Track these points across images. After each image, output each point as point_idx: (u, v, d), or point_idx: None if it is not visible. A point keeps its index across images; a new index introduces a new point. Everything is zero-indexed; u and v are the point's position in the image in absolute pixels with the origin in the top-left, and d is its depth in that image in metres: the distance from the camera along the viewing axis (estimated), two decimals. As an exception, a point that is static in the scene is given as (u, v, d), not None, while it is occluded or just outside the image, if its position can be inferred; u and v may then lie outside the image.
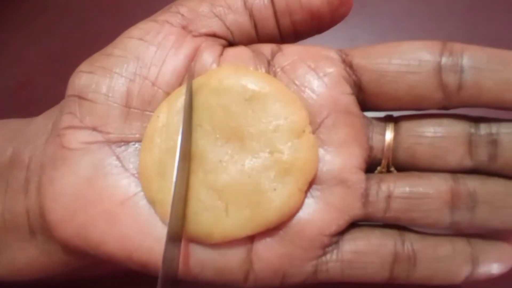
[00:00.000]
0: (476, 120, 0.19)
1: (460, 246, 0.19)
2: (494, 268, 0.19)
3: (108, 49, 0.19)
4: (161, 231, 0.18)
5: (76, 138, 0.18)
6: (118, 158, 0.18)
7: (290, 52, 0.19)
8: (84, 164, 0.18)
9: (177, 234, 0.17)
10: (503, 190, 0.18)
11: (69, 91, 0.19)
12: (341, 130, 0.18)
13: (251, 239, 0.18)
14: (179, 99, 0.18)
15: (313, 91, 0.18)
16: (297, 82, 0.19)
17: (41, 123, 0.20)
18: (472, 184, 0.18)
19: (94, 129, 0.18)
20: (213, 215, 0.17)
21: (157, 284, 0.15)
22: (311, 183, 0.18)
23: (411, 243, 0.19)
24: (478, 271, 0.19)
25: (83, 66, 0.19)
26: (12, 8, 0.38)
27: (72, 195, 0.18)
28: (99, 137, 0.18)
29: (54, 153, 0.18)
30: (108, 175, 0.18)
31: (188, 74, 0.18)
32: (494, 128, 0.18)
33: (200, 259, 0.18)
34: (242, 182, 0.17)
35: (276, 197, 0.17)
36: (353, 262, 0.18)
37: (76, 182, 0.18)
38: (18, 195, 0.19)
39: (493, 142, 0.18)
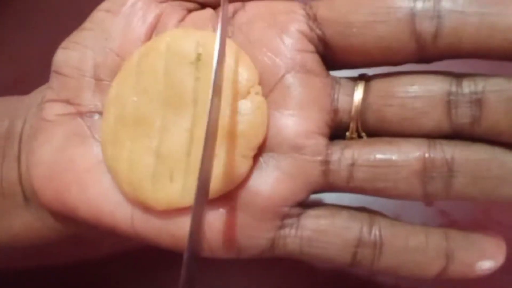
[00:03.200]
0: (459, 77, 0.16)
1: (435, 239, 0.17)
2: (472, 267, 0.16)
3: (83, 24, 0.20)
4: (119, 196, 0.18)
5: (52, 111, 0.19)
6: (88, 128, 0.19)
7: (252, 8, 0.18)
8: (58, 134, 0.19)
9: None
10: (488, 157, 0.16)
11: (52, 67, 0.20)
12: (298, 91, 0.17)
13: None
14: (126, 68, 0.18)
15: (269, 49, 0.17)
16: (252, 40, 0.18)
17: (33, 97, 0.21)
18: (450, 150, 0.16)
19: (67, 101, 0.19)
20: (158, 182, 0.17)
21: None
22: (260, 150, 0.17)
23: (380, 229, 0.17)
24: (453, 268, 0.16)
25: (63, 43, 0.20)
26: (8, 6, 0.40)
27: (49, 163, 0.19)
28: (71, 109, 0.19)
29: (36, 124, 0.20)
30: (78, 144, 0.19)
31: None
32: (479, 85, 0.16)
33: (155, 226, 0.18)
34: (185, 148, 0.17)
35: (217, 164, 0.17)
36: (313, 240, 0.17)
37: (51, 151, 0.19)
38: (13, 164, 0.20)
39: (477, 101, 0.16)
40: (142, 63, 0.18)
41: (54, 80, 0.19)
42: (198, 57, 0.17)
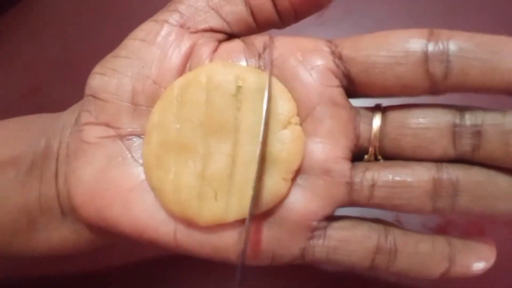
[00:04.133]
0: (462, 110, 0.19)
1: (440, 245, 0.20)
2: (469, 268, 0.20)
3: (117, 51, 0.21)
4: (163, 214, 0.20)
5: (93, 134, 0.20)
6: (128, 150, 0.20)
7: (281, 44, 0.20)
8: (99, 155, 0.20)
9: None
10: (485, 179, 0.19)
11: (86, 90, 0.21)
12: (327, 122, 0.19)
13: (242, 223, 0.19)
14: (167, 97, 0.20)
15: (300, 83, 0.19)
16: (285, 75, 0.20)
17: (67, 117, 0.22)
18: (455, 173, 0.19)
19: (107, 125, 0.20)
20: (203, 201, 0.19)
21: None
22: (297, 173, 0.19)
23: (394, 238, 0.20)
24: (454, 270, 0.20)
25: (97, 68, 0.21)
26: (22, 19, 0.40)
27: (91, 182, 0.20)
28: (111, 132, 0.20)
29: (75, 146, 0.21)
30: (119, 165, 0.20)
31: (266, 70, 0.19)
32: (479, 119, 0.19)
33: (198, 239, 0.20)
34: (228, 171, 0.19)
35: (263, 186, 0.19)
36: (338, 248, 0.20)
37: (94, 172, 0.20)
38: (50, 182, 0.22)
39: (477, 133, 0.19)
40: (184, 93, 0.20)
41: (91, 104, 0.21)
42: (238, 89, 0.19)
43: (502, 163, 0.19)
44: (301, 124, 0.19)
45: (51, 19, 0.40)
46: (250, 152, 0.19)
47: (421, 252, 0.20)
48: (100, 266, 0.30)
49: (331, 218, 0.20)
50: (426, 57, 0.18)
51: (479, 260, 0.20)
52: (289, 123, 0.19)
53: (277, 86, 0.19)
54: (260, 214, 0.19)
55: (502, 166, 0.19)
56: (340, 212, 0.20)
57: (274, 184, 0.19)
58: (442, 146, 0.19)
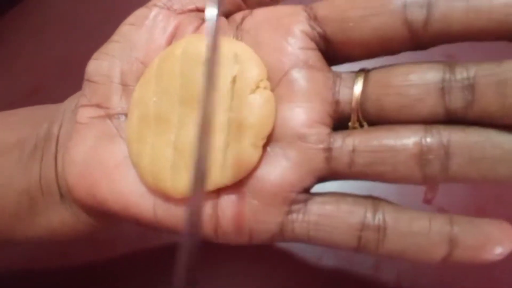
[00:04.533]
0: (452, 64, 0.17)
1: (438, 223, 0.17)
2: (479, 252, 0.17)
3: (112, 37, 0.22)
4: (142, 188, 0.20)
5: (85, 114, 0.21)
6: (116, 128, 0.21)
7: (258, 14, 0.20)
8: (90, 135, 0.21)
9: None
10: (482, 139, 0.17)
11: (85, 76, 0.22)
12: (301, 85, 0.18)
13: (216, 195, 0.19)
14: (147, 73, 0.20)
15: (274, 48, 0.19)
16: (259, 41, 0.19)
17: (68, 103, 0.23)
18: (446, 134, 0.17)
19: (98, 105, 0.21)
20: (176, 172, 0.19)
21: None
22: (269, 140, 0.18)
23: (383, 214, 0.18)
24: (458, 253, 0.17)
25: (94, 54, 0.22)
26: (23, 19, 0.42)
27: (81, 161, 0.21)
28: (101, 112, 0.21)
29: (71, 127, 0.22)
30: (107, 143, 0.21)
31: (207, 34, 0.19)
32: (471, 71, 0.17)
33: (175, 213, 0.19)
34: None
35: (230, 154, 0.18)
36: (319, 224, 0.18)
37: (84, 150, 0.21)
38: (50, 164, 0.22)
39: (469, 86, 0.17)
40: (161, 67, 0.20)
41: (86, 88, 0.22)
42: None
43: (499, 118, 0.16)
44: (274, 90, 0.19)
45: (52, 19, 0.41)
46: (218, 119, 0.19)
47: (415, 230, 0.17)
48: (101, 262, 0.30)
49: (314, 193, 0.19)
50: (404, 4, 0.17)
51: (489, 242, 0.16)
52: (258, 87, 0.18)
53: (247, 51, 0.19)
54: (232, 186, 0.18)
55: (499, 124, 0.16)
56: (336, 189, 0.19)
57: (242, 151, 0.18)
58: (430, 104, 0.17)
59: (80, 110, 0.21)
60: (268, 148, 0.19)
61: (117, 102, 0.21)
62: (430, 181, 0.17)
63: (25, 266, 0.30)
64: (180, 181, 0.19)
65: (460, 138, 0.17)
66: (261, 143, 0.18)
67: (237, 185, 0.19)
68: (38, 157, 0.23)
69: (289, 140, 0.18)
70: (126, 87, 0.21)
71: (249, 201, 0.18)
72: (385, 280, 0.25)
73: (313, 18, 0.19)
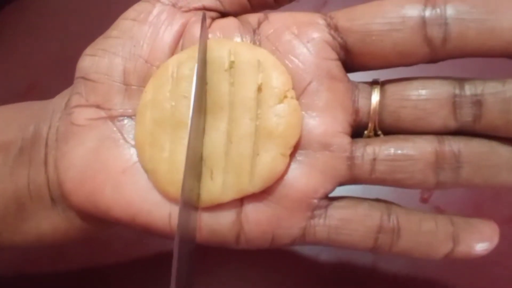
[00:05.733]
0: (461, 81, 0.19)
1: (443, 224, 0.19)
2: (473, 248, 0.19)
3: (108, 32, 0.21)
4: (157, 196, 0.19)
5: (83, 116, 0.20)
6: (119, 131, 0.20)
7: (276, 19, 0.20)
8: (90, 138, 0.20)
9: (191, 201, 0.18)
10: (487, 150, 0.19)
11: (77, 73, 0.20)
12: (324, 95, 0.19)
13: (240, 202, 0.19)
14: (162, 74, 0.19)
15: (296, 57, 0.19)
16: (280, 49, 0.19)
17: (57, 102, 0.22)
18: (457, 145, 0.19)
19: (98, 106, 0.20)
20: (199, 180, 0.19)
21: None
22: (295, 148, 0.19)
23: (397, 217, 0.19)
24: (458, 249, 0.19)
25: (87, 50, 0.21)
26: (18, 16, 0.40)
27: (81, 166, 0.19)
28: (102, 113, 0.20)
29: (65, 129, 0.20)
30: (111, 147, 0.20)
31: (200, 39, 0.19)
32: (479, 88, 0.18)
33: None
34: (225, 148, 0.18)
35: (259, 163, 0.18)
36: (339, 228, 0.19)
37: (84, 154, 0.19)
38: (39, 168, 0.21)
39: (478, 102, 0.18)
40: (179, 70, 0.19)
41: (81, 86, 0.20)
42: (231, 65, 0.19)
43: (503, 131, 0.18)
44: (297, 99, 0.19)
45: (48, 16, 0.40)
46: (244, 127, 0.18)
47: (424, 231, 0.19)
48: (97, 263, 0.29)
49: (331, 198, 0.19)
50: (423, 22, 0.18)
51: (482, 239, 0.19)
52: (285, 96, 0.18)
53: (270, 59, 0.19)
54: (259, 192, 0.19)
55: (503, 136, 0.18)
56: (339, 192, 0.20)
57: (272, 160, 0.18)
58: (443, 117, 0.19)
59: (76, 110, 0.20)
60: (293, 157, 0.19)
61: (120, 103, 0.20)
62: (441, 186, 0.19)
63: (19, 267, 0.29)
64: (203, 189, 0.19)
65: (468, 148, 0.19)
66: (289, 152, 0.18)
67: (263, 192, 0.19)
68: (26, 161, 0.21)
69: (313, 149, 0.19)
70: (128, 87, 0.20)
71: (274, 207, 0.19)
72: (383, 276, 0.27)
73: (334, 28, 0.19)
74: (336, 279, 0.26)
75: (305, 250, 0.28)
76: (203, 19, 0.19)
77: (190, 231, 0.18)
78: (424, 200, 0.28)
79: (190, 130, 0.17)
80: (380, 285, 0.26)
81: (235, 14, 0.21)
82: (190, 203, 0.18)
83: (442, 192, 0.28)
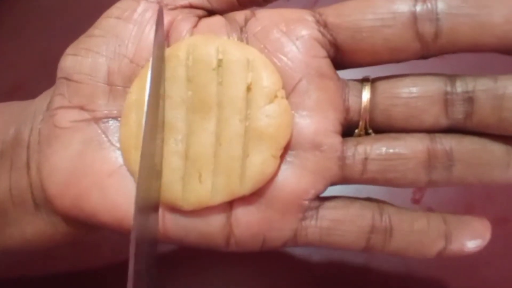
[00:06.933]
0: (452, 78, 0.19)
1: (435, 222, 0.19)
2: (465, 245, 0.19)
3: (90, 30, 0.20)
4: None
5: (66, 118, 0.19)
6: (104, 133, 0.19)
7: (263, 17, 0.19)
8: (74, 141, 0.19)
9: (149, 203, 0.18)
10: (479, 147, 0.18)
11: (58, 73, 0.20)
12: (314, 94, 0.18)
13: (230, 205, 0.18)
14: (143, 74, 0.19)
15: (285, 55, 0.19)
16: (269, 47, 0.19)
17: (38, 104, 0.21)
18: (449, 143, 0.18)
19: (81, 108, 0.19)
20: (187, 183, 0.18)
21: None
22: (286, 149, 0.18)
23: (389, 216, 0.19)
24: (451, 247, 0.19)
25: (69, 49, 0.20)
26: (3, 14, 0.39)
27: (66, 169, 0.19)
28: (86, 115, 0.19)
29: (48, 132, 0.19)
30: (96, 149, 0.19)
31: (154, 45, 0.18)
32: (470, 85, 0.18)
33: (183, 225, 0.19)
34: (214, 150, 0.18)
35: (249, 164, 0.18)
36: (331, 229, 0.19)
37: (68, 158, 0.19)
38: (21, 172, 0.20)
39: (469, 99, 0.18)
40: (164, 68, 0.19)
41: (63, 87, 0.19)
42: (219, 63, 0.18)
43: (495, 129, 0.18)
44: (287, 98, 0.18)
45: (34, 16, 0.39)
46: (234, 128, 0.18)
47: (417, 230, 0.19)
48: (85, 265, 0.29)
49: (323, 198, 0.19)
50: (414, 18, 0.18)
51: (474, 237, 0.19)
52: (275, 96, 0.18)
53: (260, 57, 0.18)
54: (249, 194, 0.18)
55: (495, 133, 0.18)
56: (330, 192, 0.19)
57: (262, 162, 0.18)
58: (434, 114, 0.18)
59: (58, 112, 0.19)
60: (284, 158, 0.18)
61: (104, 104, 0.19)
62: (433, 185, 0.19)
63: (6, 269, 0.28)
64: (192, 192, 0.18)
65: (460, 146, 0.18)
66: (280, 153, 0.18)
67: (252, 194, 0.18)
68: (7, 165, 0.20)
69: (304, 149, 0.18)
70: (113, 88, 0.19)
71: (264, 209, 0.18)
72: (376, 276, 0.27)
73: (323, 25, 0.19)
74: (329, 280, 0.26)
75: (297, 251, 0.28)
76: (160, 13, 0.19)
77: (149, 233, 0.18)
78: (415, 201, 0.28)
79: (145, 131, 0.17)
80: (373, 285, 0.26)
81: (222, 12, 0.20)
82: (147, 205, 0.18)
83: (434, 193, 0.28)
